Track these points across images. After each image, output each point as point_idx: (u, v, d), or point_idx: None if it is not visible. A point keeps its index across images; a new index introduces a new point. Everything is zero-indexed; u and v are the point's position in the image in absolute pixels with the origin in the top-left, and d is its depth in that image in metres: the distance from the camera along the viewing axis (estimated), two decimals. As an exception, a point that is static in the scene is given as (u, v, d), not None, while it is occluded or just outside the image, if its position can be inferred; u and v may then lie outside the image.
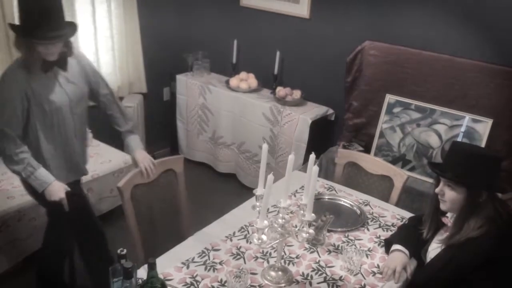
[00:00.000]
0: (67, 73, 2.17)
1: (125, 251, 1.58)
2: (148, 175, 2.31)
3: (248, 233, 2.11)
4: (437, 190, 1.87)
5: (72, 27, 2.08)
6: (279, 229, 1.74)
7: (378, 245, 2.11)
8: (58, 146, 2.24)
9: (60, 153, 2.26)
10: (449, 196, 1.82)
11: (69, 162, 2.32)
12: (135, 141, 2.41)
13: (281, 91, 3.72)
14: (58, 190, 2.15)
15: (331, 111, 3.73)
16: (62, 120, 2.19)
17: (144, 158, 2.33)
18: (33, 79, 2.06)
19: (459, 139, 2.99)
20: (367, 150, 3.31)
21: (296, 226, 1.82)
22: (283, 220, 1.74)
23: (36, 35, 1.94)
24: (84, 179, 3.13)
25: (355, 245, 2.08)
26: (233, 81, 3.93)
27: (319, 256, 2.00)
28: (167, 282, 1.74)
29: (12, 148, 2.08)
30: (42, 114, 2.12)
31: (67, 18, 3.34)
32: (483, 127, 2.92)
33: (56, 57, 2.08)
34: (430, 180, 2.93)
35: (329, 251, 2.03)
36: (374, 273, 1.92)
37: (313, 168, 1.67)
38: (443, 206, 1.87)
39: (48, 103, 2.12)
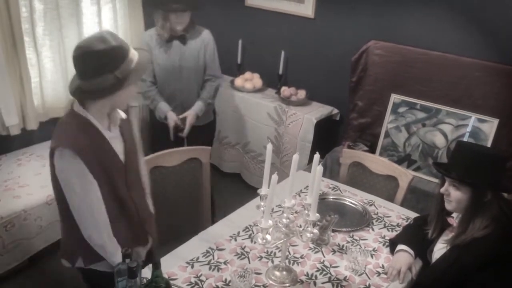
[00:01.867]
0: (184, 48, 2.92)
1: (130, 250, 1.59)
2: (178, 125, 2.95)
3: (253, 233, 2.11)
4: (442, 190, 1.86)
5: (195, 4, 2.84)
6: (283, 229, 1.74)
7: (383, 245, 2.10)
8: (167, 97, 3.01)
9: (168, 100, 3.01)
10: (454, 196, 1.81)
11: (173, 105, 3.03)
12: (196, 105, 3.00)
13: (285, 91, 3.72)
14: (171, 120, 2.96)
15: (336, 110, 3.73)
16: (167, 79, 2.96)
17: (188, 115, 2.95)
18: (155, 44, 2.90)
19: (465, 139, 2.97)
20: (372, 150, 3.30)
21: (300, 226, 1.82)
22: (288, 220, 1.74)
23: (165, 7, 2.75)
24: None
25: (359, 245, 2.08)
26: (238, 81, 3.93)
27: (324, 256, 2.00)
28: (172, 282, 1.74)
29: (144, 88, 2.97)
30: (154, 70, 2.94)
31: (72, 17, 3.40)
32: (489, 127, 2.90)
33: (182, 31, 2.86)
34: (436, 180, 2.91)
35: (334, 251, 2.03)
36: (379, 274, 1.92)
37: (317, 168, 1.67)
38: (448, 206, 1.86)
39: (157, 64, 2.93)
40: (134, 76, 1.67)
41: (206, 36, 3.01)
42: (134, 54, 1.68)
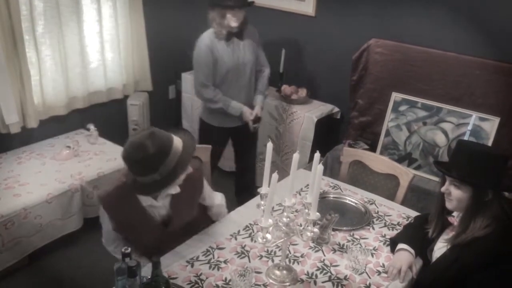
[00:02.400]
0: (243, 43, 3.00)
1: (129, 249, 1.58)
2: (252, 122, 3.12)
3: (253, 232, 2.11)
4: (443, 189, 1.85)
5: (249, 2, 2.92)
6: (283, 227, 1.73)
7: (384, 244, 2.10)
8: (231, 95, 3.03)
9: (233, 98, 3.05)
10: (455, 195, 1.80)
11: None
12: (258, 99, 3.18)
13: (286, 89, 3.71)
14: (248, 113, 3.06)
15: (336, 109, 3.72)
16: (234, 77, 3.00)
17: (257, 112, 3.11)
18: (217, 44, 2.92)
19: (465, 137, 2.97)
20: (373, 148, 3.29)
21: (301, 225, 1.81)
22: (288, 218, 1.73)
23: (223, 3, 2.80)
24: (89, 177, 3.16)
25: (360, 244, 2.07)
26: (238, 79, 3.92)
27: (324, 255, 1.99)
28: (172, 281, 1.74)
29: (210, 93, 2.98)
30: (220, 71, 2.95)
31: (72, 15, 3.39)
32: (490, 126, 2.89)
33: (237, 28, 2.89)
34: (436, 179, 2.89)
35: (334, 250, 2.03)
36: (379, 273, 1.91)
37: (318, 166, 1.66)
38: (449, 205, 1.85)
39: (224, 63, 2.94)
40: (175, 172, 1.79)
41: (253, 29, 3.08)
42: (175, 152, 1.78)
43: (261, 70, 3.20)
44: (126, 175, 1.86)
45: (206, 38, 2.94)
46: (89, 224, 3.20)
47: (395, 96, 3.20)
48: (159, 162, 1.73)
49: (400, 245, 1.98)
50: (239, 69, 3.01)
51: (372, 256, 2.01)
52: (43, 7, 3.23)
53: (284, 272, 1.83)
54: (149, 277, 1.57)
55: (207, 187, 2.15)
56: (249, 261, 1.92)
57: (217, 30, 2.90)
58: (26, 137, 3.42)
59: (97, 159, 3.34)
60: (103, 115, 3.84)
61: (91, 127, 3.58)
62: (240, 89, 3.07)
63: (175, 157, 1.77)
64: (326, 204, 2.34)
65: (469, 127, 2.97)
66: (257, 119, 3.12)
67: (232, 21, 2.85)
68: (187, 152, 1.82)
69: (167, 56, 4.30)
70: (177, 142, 1.81)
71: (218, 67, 2.96)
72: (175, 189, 1.90)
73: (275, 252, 1.98)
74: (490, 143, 2.88)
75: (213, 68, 2.95)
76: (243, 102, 3.08)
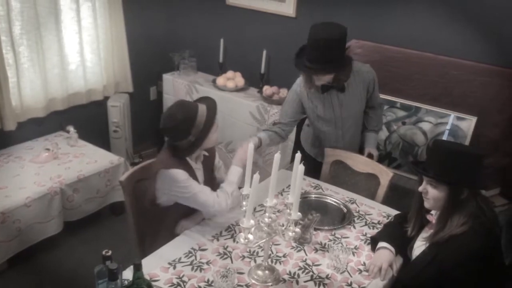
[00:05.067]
0: (343, 96, 2.52)
1: (110, 252, 1.57)
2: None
3: (235, 233, 2.11)
4: (420, 188, 1.88)
5: (338, 66, 2.36)
6: (265, 228, 1.74)
7: (364, 242, 2.12)
8: (325, 138, 2.73)
9: (317, 148, 2.84)
10: (432, 194, 1.83)
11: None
12: (371, 138, 2.78)
13: (268, 90, 3.72)
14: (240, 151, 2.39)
15: (318, 109, 3.73)
16: (325, 129, 2.67)
17: (367, 152, 2.72)
18: (309, 93, 2.53)
19: (444, 137, 3.02)
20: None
21: (282, 225, 1.82)
22: (270, 219, 1.74)
23: (297, 65, 2.42)
24: (69, 180, 3.11)
25: (341, 243, 2.09)
26: (220, 80, 3.92)
27: (306, 255, 2.01)
28: (154, 283, 1.73)
29: (273, 128, 2.64)
30: (312, 119, 2.67)
31: (50, 15, 3.33)
32: (468, 125, 2.95)
33: (329, 82, 2.43)
34: (416, 178, 2.94)
35: (316, 250, 2.04)
36: (360, 271, 1.93)
37: (299, 166, 1.67)
38: (426, 204, 1.88)
39: (316, 116, 2.62)
40: (207, 130, 2.06)
41: (367, 75, 2.55)
42: (201, 114, 2.06)
43: (373, 107, 2.74)
44: (166, 153, 2.13)
45: (297, 86, 2.58)
46: (69, 228, 3.17)
47: (375, 96, 3.23)
48: (190, 126, 2.03)
49: (381, 244, 2.00)
50: (336, 122, 2.61)
51: (353, 255, 2.03)
52: (20, 8, 3.18)
53: (267, 272, 1.84)
54: (131, 279, 1.56)
55: (217, 157, 2.43)
56: (232, 262, 1.93)
57: (305, 86, 2.49)
58: (4, 140, 3.36)
59: (77, 161, 3.30)
60: (83, 117, 3.80)
61: (71, 129, 3.53)
62: (338, 138, 2.70)
63: (202, 119, 2.05)
64: (307, 204, 2.35)
65: (448, 127, 3.02)
66: (370, 156, 2.70)
67: (317, 80, 2.41)
68: (212, 112, 2.09)
69: (148, 57, 4.27)
70: (202, 107, 2.08)
71: (313, 111, 2.60)
72: (206, 152, 2.23)
73: (257, 253, 1.98)
74: (467, 142, 2.93)
75: (300, 114, 2.65)
76: (341, 148, 2.72)
